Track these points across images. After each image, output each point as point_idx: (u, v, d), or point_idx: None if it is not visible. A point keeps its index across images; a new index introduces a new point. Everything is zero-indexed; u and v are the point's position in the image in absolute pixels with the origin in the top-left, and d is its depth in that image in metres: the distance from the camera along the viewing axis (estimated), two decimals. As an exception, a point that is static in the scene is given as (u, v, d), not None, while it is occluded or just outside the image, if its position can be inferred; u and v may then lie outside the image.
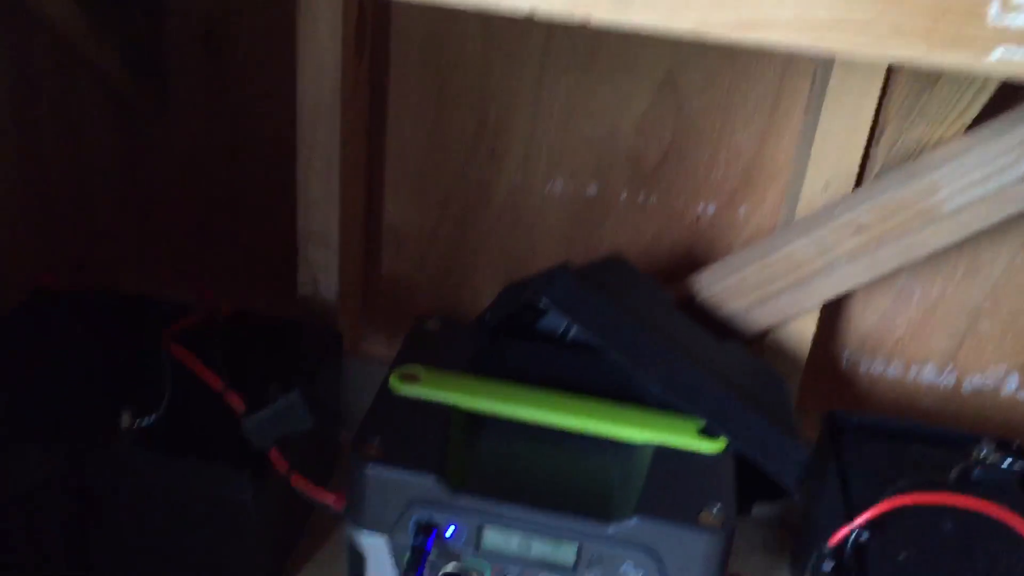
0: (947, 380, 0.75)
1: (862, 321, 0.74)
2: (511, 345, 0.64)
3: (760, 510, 0.74)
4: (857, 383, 0.77)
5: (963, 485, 0.56)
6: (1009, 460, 0.59)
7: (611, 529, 0.52)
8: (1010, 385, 0.75)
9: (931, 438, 0.63)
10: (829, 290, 0.64)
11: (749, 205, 0.72)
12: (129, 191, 0.79)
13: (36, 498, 0.57)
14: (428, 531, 0.53)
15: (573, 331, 0.65)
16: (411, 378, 0.59)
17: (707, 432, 0.57)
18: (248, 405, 0.57)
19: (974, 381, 0.75)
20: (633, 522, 0.51)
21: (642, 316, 0.60)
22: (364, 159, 0.74)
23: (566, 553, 0.53)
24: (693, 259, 0.74)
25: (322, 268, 0.73)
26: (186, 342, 0.61)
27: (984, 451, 0.60)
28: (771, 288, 0.65)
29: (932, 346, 0.74)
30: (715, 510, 0.52)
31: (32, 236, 0.73)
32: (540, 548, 0.53)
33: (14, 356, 0.61)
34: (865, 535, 0.54)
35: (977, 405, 0.76)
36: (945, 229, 0.59)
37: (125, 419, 0.57)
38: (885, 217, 0.60)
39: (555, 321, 0.65)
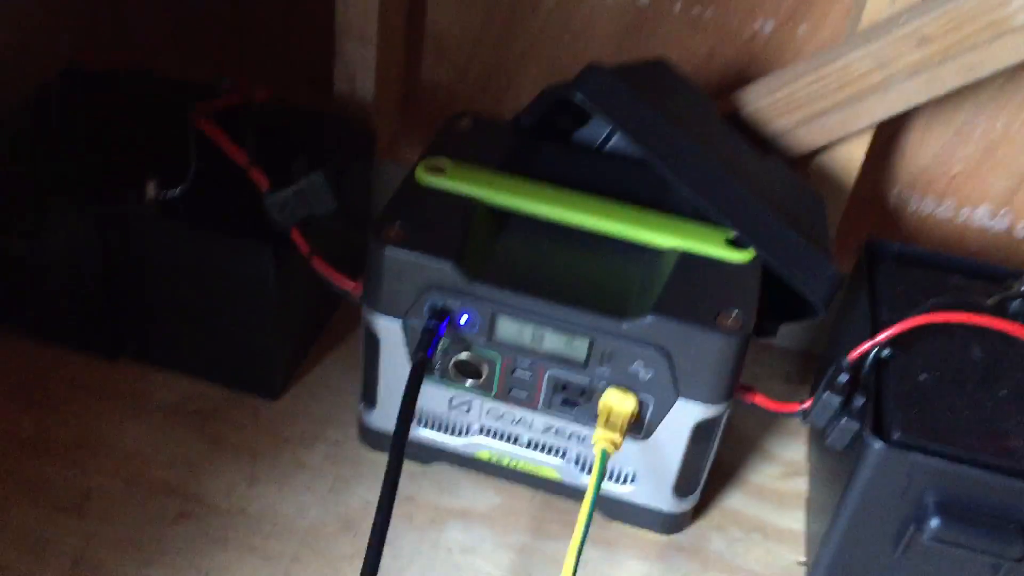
0: (1000, 223, 0.72)
1: (917, 156, 0.71)
2: (545, 148, 0.62)
3: (787, 340, 0.73)
4: (904, 220, 0.74)
5: (999, 314, 0.54)
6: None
7: (624, 325, 0.51)
8: (1067, 233, 0.71)
9: (972, 271, 0.60)
10: (884, 109, 0.61)
11: (810, 23, 0.68)
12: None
13: (70, 255, 0.58)
14: (442, 316, 0.53)
15: (611, 141, 0.63)
16: (437, 170, 0.58)
17: (736, 242, 0.55)
18: (273, 184, 0.57)
19: (1029, 226, 0.71)
20: (647, 319, 0.51)
21: (681, 120, 0.57)
22: (407, -48, 0.71)
23: (578, 347, 0.52)
24: (746, 80, 0.70)
25: (359, 65, 0.71)
26: (216, 120, 0.60)
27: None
28: (822, 104, 0.62)
29: (988, 187, 0.71)
30: (733, 314, 0.51)
31: (66, 15, 0.72)
32: (552, 341, 0.53)
33: (48, 127, 0.62)
34: (887, 352, 0.52)
35: (1029, 251, 0.73)
36: (1014, 44, 0.55)
37: (150, 189, 0.57)
38: (951, 28, 0.56)
39: (593, 131, 0.63)
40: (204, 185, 0.58)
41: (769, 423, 0.68)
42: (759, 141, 0.64)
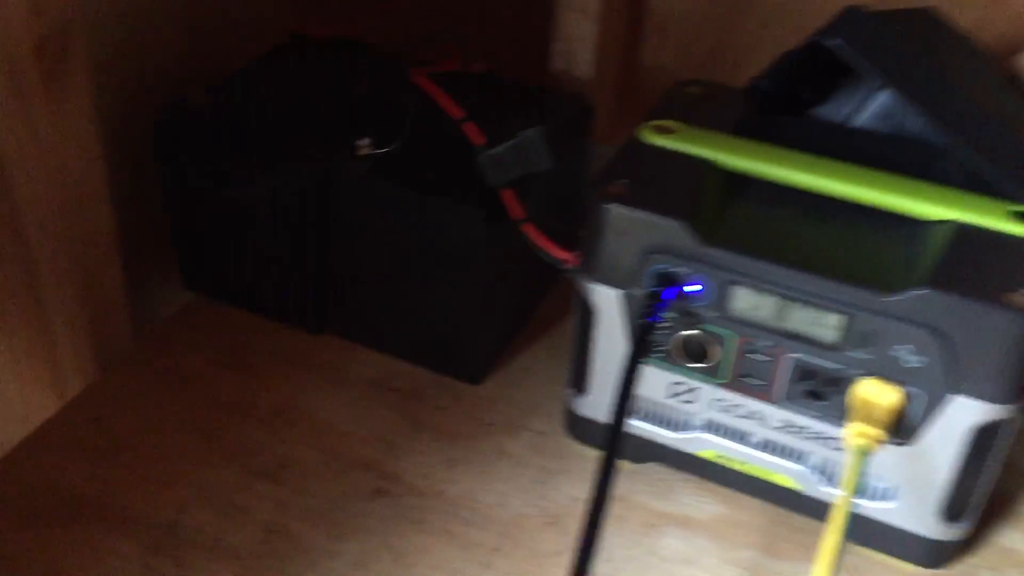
0: None
1: None
2: (784, 118, 0.55)
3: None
4: None
5: None
6: None
7: (891, 299, 0.43)
8: None
9: None
10: None
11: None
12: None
13: (286, 210, 0.56)
14: (667, 284, 0.47)
15: (864, 117, 0.55)
16: (665, 130, 0.52)
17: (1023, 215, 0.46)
18: (488, 141, 0.53)
19: None
20: (921, 293, 0.42)
21: (955, 74, 0.49)
22: (636, -78, 0.67)
23: (830, 326, 0.45)
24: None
25: (579, 40, 0.67)
26: (433, 80, 0.57)
27: None
28: None
29: None
30: (1027, 292, 0.42)
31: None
32: (799, 317, 0.45)
33: (272, 88, 0.61)
34: None
35: None
36: None
37: (364, 145, 0.55)
38: None
39: (838, 108, 0.55)
40: (418, 147, 0.55)
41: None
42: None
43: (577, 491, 0.53)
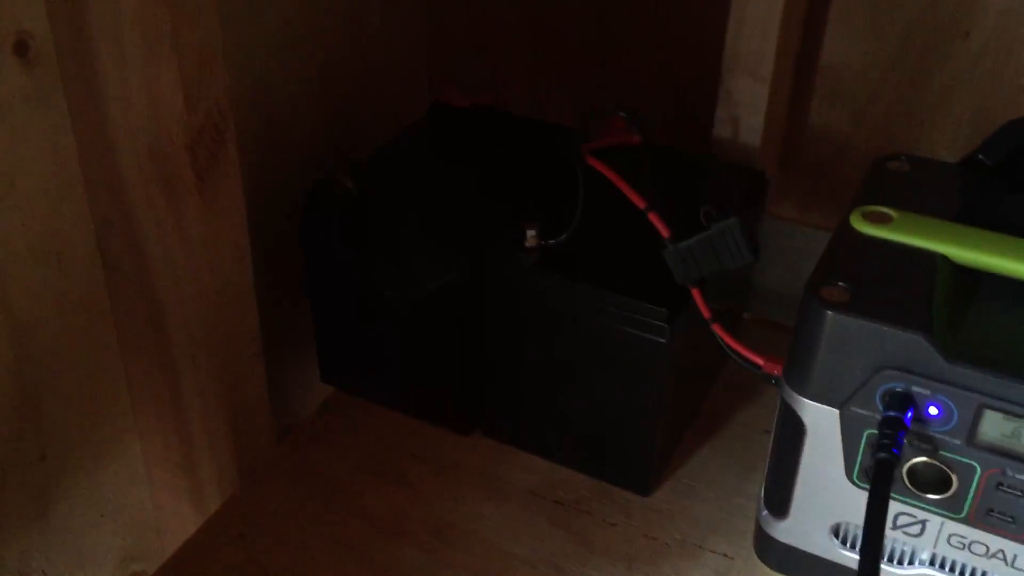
0: None
1: None
2: (1008, 196, 0.48)
3: None
4: None
5: None
6: None
7: None
8: None
9: None
10: None
11: None
12: (522, 9, 0.72)
13: (440, 303, 0.51)
14: (903, 407, 0.40)
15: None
16: (880, 218, 0.45)
17: None
18: (673, 232, 0.47)
19: None
20: None
21: None
22: (810, -24, 0.61)
23: (1109, 461, 0.37)
24: None
25: (747, 104, 0.61)
26: (604, 159, 0.52)
27: None
28: None
29: None
30: None
31: (424, 53, 0.68)
32: (1068, 449, 0.38)
33: (420, 165, 0.56)
34: None
35: None
36: None
37: (530, 237, 0.49)
38: None
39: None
40: (587, 234, 0.50)
41: None
42: None
43: (773, 630, 0.47)
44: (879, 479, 0.39)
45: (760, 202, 0.58)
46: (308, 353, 0.59)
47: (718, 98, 0.62)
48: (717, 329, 0.47)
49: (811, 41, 0.64)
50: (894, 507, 0.43)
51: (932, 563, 0.44)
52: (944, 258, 0.43)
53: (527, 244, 0.49)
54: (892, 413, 0.39)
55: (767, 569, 0.49)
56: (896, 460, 0.39)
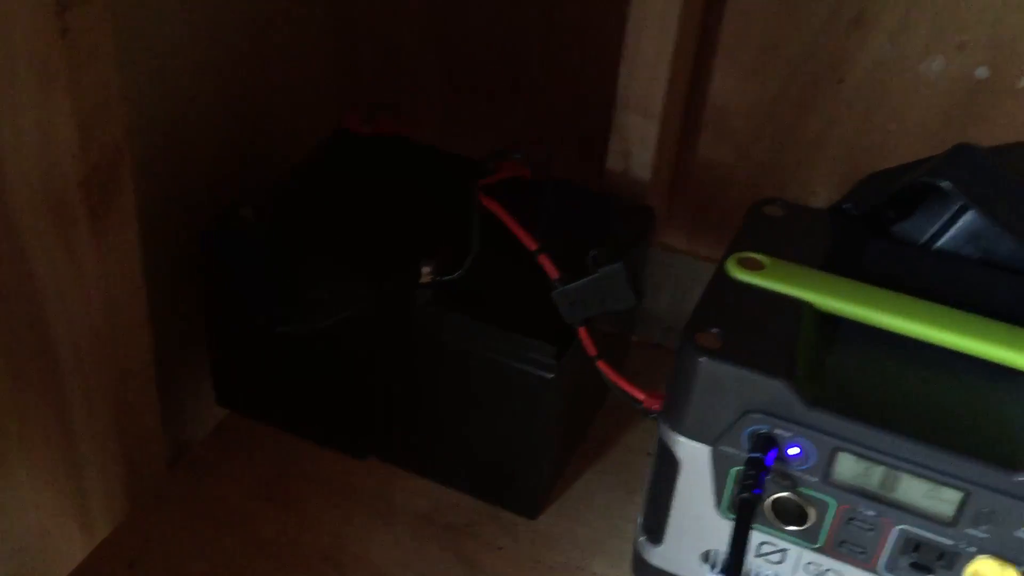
0: None
1: None
2: (876, 243, 0.52)
3: None
4: None
5: None
6: None
7: (1018, 479, 0.40)
8: None
9: None
10: None
11: None
12: (435, 38, 0.73)
13: (337, 335, 0.52)
14: (767, 447, 0.43)
15: (946, 239, 0.52)
16: (753, 265, 0.49)
17: None
18: (562, 272, 0.49)
19: None
20: (1054, 476, 0.39)
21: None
22: (700, 19, 0.64)
23: (945, 501, 0.41)
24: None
25: (638, 140, 0.64)
26: (495, 196, 0.53)
27: None
28: None
29: None
30: None
31: (336, 80, 0.69)
32: (910, 489, 0.42)
33: (322, 196, 0.57)
34: None
35: None
36: None
37: (425, 273, 0.51)
38: None
39: (919, 225, 0.52)
40: (482, 269, 0.52)
41: None
42: None
43: (650, 650, 0.49)
44: (741, 515, 0.42)
45: (647, 236, 0.61)
46: (205, 375, 0.59)
47: (611, 134, 0.64)
48: (601, 366, 0.50)
49: (700, 80, 0.67)
50: (758, 537, 0.47)
51: (792, 587, 0.48)
52: (809, 306, 0.47)
53: (422, 280, 0.51)
54: (755, 455, 0.43)
55: (643, 591, 0.52)
56: (757, 499, 0.42)
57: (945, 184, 0.46)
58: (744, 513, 0.42)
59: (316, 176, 0.58)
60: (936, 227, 0.52)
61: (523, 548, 0.54)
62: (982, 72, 0.60)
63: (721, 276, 0.48)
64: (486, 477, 0.55)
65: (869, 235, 0.52)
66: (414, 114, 0.75)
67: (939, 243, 0.52)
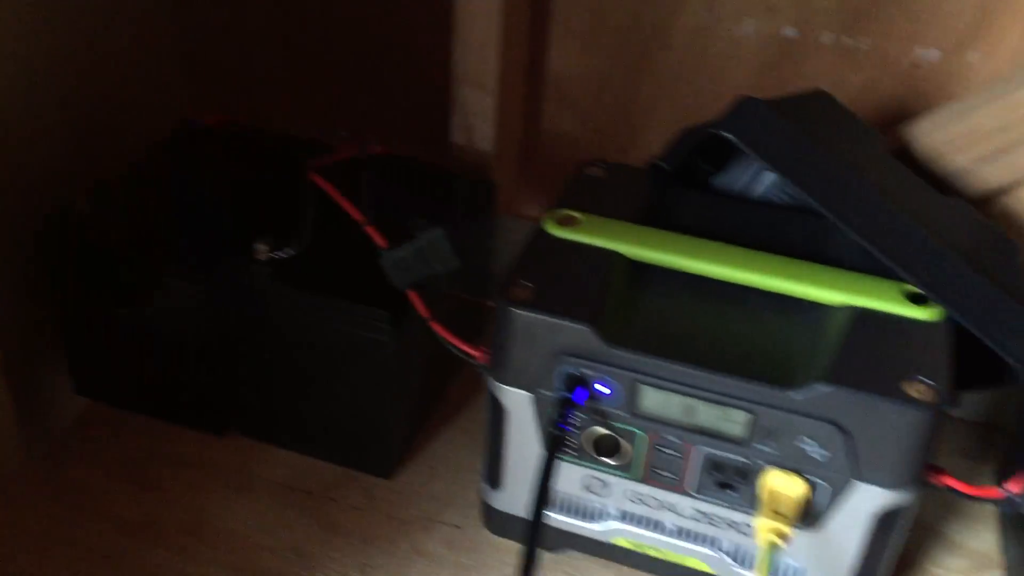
0: None
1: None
2: (686, 196, 0.55)
3: (963, 410, 0.64)
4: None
5: None
6: None
7: (793, 396, 0.44)
8: None
9: None
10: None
11: (982, 50, 0.60)
12: (277, 29, 0.75)
13: (177, 324, 0.54)
14: (575, 387, 0.46)
15: (761, 187, 0.56)
16: (569, 221, 0.52)
17: (918, 297, 0.47)
18: (391, 242, 0.52)
19: None
20: (820, 389, 0.43)
21: (846, 158, 0.50)
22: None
23: (736, 422, 0.45)
24: (908, 115, 0.63)
25: (477, 115, 0.67)
26: (329, 176, 0.56)
27: None
28: (1007, 138, 0.53)
29: None
30: (924, 383, 0.43)
31: (179, 71, 0.70)
32: (705, 414, 0.46)
33: (162, 186, 0.59)
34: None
35: None
36: None
37: (261, 250, 0.53)
38: None
39: (735, 177, 0.57)
40: (318, 246, 0.54)
41: (952, 507, 0.58)
42: (934, 180, 0.56)
43: (494, 587, 0.53)
44: (549, 450, 0.45)
45: (488, 207, 0.64)
46: (64, 366, 0.60)
47: (452, 109, 0.67)
48: (434, 326, 0.52)
49: (539, 52, 0.70)
50: (583, 472, 0.50)
51: (620, 518, 0.51)
52: (620, 255, 0.50)
53: (258, 258, 0.53)
54: (563, 394, 0.46)
55: (490, 535, 0.55)
56: (563, 434, 0.46)
57: (728, 136, 0.49)
58: (552, 448, 0.45)
59: (157, 168, 0.60)
60: (747, 177, 0.56)
61: (380, 506, 0.57)
62: (790, 31, 0.64)
63: (539, 233, 0.52)
64: (341, 443, 0.58)
65: (681, 188, 0.56)
66: (264, 104, 0.77)
67: (751, 192, 0.56)
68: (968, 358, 0.48)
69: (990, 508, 0.58)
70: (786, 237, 0.51)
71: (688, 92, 0.69)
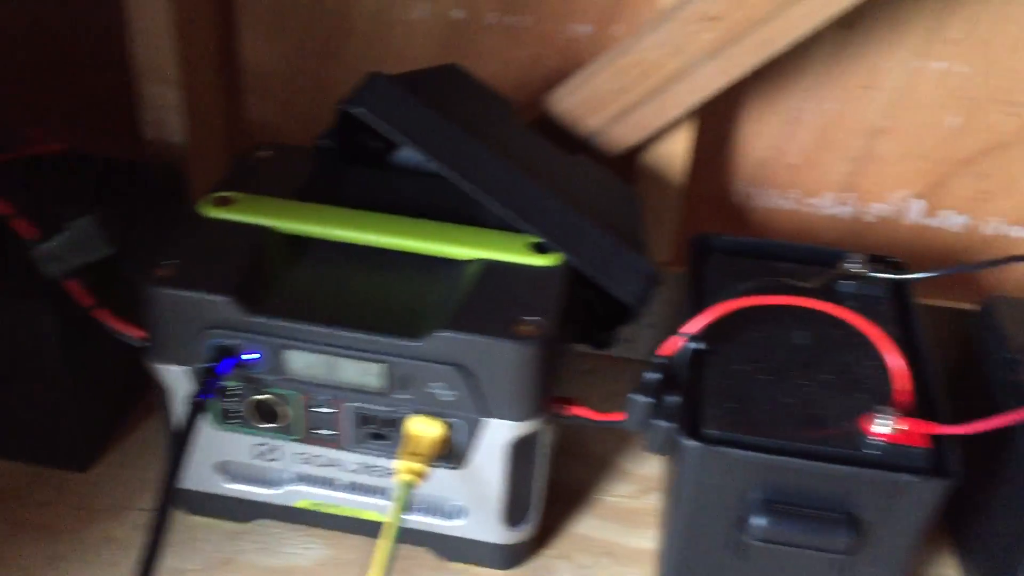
0: (845, 210, 0.70)
1: (753, 149, 0.68)
2: (350, 172, 0.58)
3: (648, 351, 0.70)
4: (751, 217, 0.71)
5: (823, 296, 0.51)
6: (881, 274, 0.54)
7: (418, 345, 0.47)
8: (913, 212, 0.69)
9: (803, 256, 0.58)
10: (689, 96, 0.58)
11: (624, 23, 0.65)
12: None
13: None
14: (220, 357, 0.49)
15: (411, 159, 0.59)
16: (224, 202, 0.54)
17: (541, 247, 0.52)
18: (44, 234, 0.53)
19: (875, 209, 0.69)
20: (441, 336, 0.47)
21: (473, 126, 0.54)
22: (211, -6, 0.68)
23: (374, 374, 0.48)
24: (569, 85, 0.68)
25: (165, 108, 0.68)
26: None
27: (854, 263, 0.55)
28: (628, 98, 0.59)
29: (828, 174, 0.69)
30: (532, 321, 0.47)
31: None
32: (347, 371, 0.49)
33: None
34: (702, 345, 0.49)
35: (880, 235, 0.70)
36: (803, 11, 0.53)
37: (-91, 252, 0.53)
38: (736, 4, 0.54)
39: (410, 153, 0.60)
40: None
41: (626, 440, 0.64)
42: (575, 142, 0.61)
43: (183, 563, 0.54)
44: (188, 420, 0.47)
45: (177, 195, 0.65)
46: None
47: (138, 105, 0.68)
48: (96, 314, 0.53)
49: (229, 42, 0.72)
50: (253, 440, 0.52)
51: (295, 479, 0.54)
52: (271, 231, 0.52)
53: (-95, 260, 0.52)
54: (203, 365, 0.48)
55: (180, 513, 0.56)
56: (202, 403, 0.48)
57: (353, 110, 0.52)
58: (191, 417, 0.47)
59: None
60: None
61: (70, 499, 0.57)
62: (457, 13, 0.68)
63: (192, 215, 0.53)
64: (29, 442, 0.58)
65: (344, 166, 0.59)
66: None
67: (427, 167, 0.59)
68: (607, 301, 0.53)
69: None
70: (436, 204, 0.55)
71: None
